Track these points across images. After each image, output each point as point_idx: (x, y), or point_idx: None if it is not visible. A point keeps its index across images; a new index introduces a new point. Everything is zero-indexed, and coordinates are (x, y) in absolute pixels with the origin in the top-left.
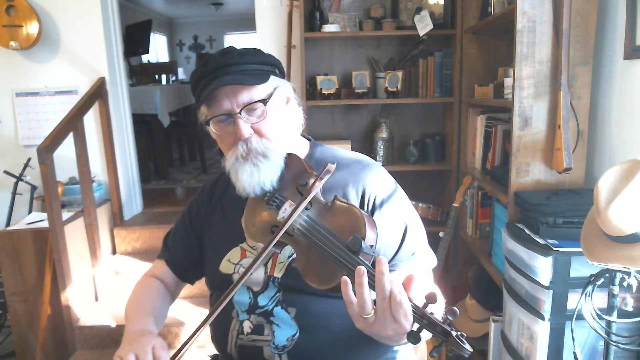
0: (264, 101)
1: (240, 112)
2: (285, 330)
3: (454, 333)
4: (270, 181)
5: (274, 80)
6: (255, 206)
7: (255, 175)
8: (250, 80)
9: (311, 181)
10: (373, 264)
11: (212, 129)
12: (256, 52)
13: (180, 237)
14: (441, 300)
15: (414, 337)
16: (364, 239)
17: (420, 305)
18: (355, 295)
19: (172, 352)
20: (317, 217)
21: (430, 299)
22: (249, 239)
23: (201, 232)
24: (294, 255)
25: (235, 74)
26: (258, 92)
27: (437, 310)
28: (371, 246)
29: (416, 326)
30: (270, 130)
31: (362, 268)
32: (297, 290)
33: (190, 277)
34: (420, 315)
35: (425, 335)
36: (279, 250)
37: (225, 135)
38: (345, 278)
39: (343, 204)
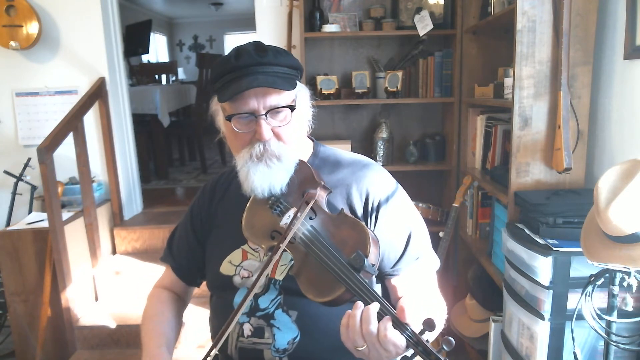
0: (292, 107)
1: (265, 115)
2: (286, 334)
3: None
4: (280, 185)
5: (298, 86)
6: (258, 209)
7: (267, 177)
8: (283, 84)
9: (317, 190)
10: (371, 282)
11: (232, 124)
12: (287, 54)
13: (184, 242)
14: (440, 323)
15: None
16: (367, 257)
17: (418, 331)
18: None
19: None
20: (321, 227)
21: (428, 325)
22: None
23: (203, 234)
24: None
25: (269, 75)
26: (285, 96)
27: (433, 336)
28: (373, 265)
29: (410, 352)
30: (289, 135)
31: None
32: (298, 293)
33: (196, 281)
34: (416, 342)
35: None
36: (277, 256)
37: (242, 133)
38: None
39: (349, 217)
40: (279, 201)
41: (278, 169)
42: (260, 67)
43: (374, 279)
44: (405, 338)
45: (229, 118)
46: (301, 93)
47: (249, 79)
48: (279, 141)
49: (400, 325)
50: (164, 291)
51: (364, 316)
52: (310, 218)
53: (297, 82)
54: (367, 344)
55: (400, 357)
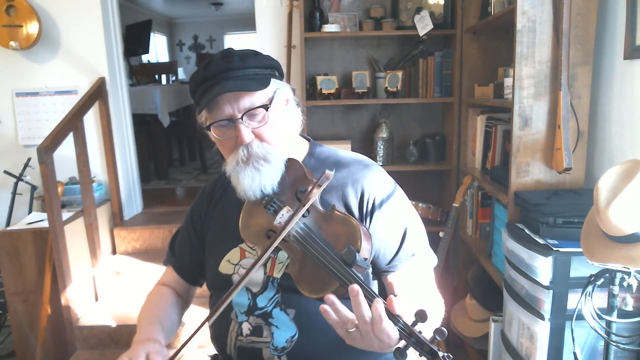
0: (266, 106)
1: (241, 118)
2: (284, 332)
3: (440, 354)
4: (271, 185)
5: (274, 84)
6: (252, 209)
7: (257, 179)
8: (252, 85)
9: (309, 188)
10: (367, 277)
11: (212, 133)
12: (257, 55)
13: (185, 243)
14: (435, 316)
15: (400, 354)
16: (358, 252)
17: (410, 322)
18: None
19: (172, 351)
20: (313, 225)
21: (420, 317)
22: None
23: (203, 235)
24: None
25: (237, 79)
26: (259, 97)
27: (427, 328)
28: (365, 259)
29: (403, 343)
30: (271, 134)
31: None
32: (296, 291)
33: (198, 280)
34: (409, 334)
35: (413, 352)
36: (274, 255)
37: (225, 139)
38: (324, 307)
39: (340, 213)
40: (272, 200)
41: (266, 169)
42: (229, 72)
43: (369, 275)
44: (398, 329)
45: (207, 127)
46: (281, 91)
47: (218, 86)
48: (262, 142)
49: (391, 316)
50: (164, 287)
51: (359, 301)
52: (303, 216)
53: (274, 80)
54: (360, 333)
55: (393, 349)
